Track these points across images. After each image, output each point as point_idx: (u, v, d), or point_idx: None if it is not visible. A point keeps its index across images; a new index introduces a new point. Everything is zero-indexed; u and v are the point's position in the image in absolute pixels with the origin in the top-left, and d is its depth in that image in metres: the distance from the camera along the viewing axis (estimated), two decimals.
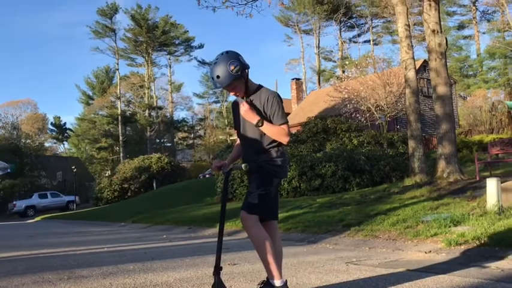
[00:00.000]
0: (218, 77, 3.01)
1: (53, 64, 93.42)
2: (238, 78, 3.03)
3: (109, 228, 14.58)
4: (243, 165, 3.05)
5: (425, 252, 5.25)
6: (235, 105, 3.35)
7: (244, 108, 3.06)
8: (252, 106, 3.11)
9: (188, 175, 37.71)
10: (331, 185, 14.65)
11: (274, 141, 3.10)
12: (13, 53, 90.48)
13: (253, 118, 3.02)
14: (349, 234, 6.97)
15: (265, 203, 3.09)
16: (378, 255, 5.42)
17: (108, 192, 33.25)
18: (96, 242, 9.12)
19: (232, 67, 2.98)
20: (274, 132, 3.05)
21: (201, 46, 60.14)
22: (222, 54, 3.05)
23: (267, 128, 3.03)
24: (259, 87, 3.19)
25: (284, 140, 3.07)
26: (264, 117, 3.07)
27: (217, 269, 2.90)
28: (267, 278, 3.09)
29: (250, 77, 3.16)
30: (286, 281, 3.08)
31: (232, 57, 3.02)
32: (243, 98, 3.17)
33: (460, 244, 5.23)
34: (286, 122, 3.10)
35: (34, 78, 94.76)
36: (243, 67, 3.04)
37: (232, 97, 3.30)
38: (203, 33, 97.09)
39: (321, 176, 14.83)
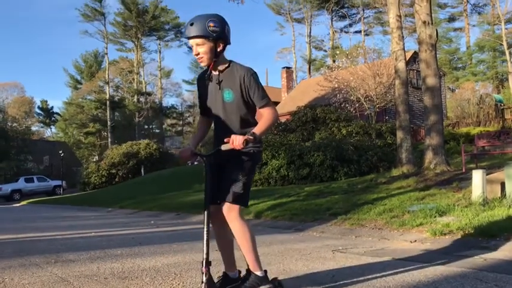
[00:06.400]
0: (192, 24, 2.73)
1: (41, 47, 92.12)
2: (210, 39, 2.75)
3: (96, 213, 14.54)
4: (222, 146, 2.77)
5: (411, 242, 5.32)
6: (200, 81, 3.08)
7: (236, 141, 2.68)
8: (222, 83, 2.92)
9: (176, 162, 37.63)
10: (319, 174, 14.72)
11: (256, 124, 2.88)
12: (0, 35, 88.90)
13: (242, 138, 2.69)
14: (336, 222, 7.04)
15: (248, 192, 2.94)
16: (364, 243, 5.48)
17: (96, 178, 33.06)
18: (83, 226, 9.10)
19: (211, 24, 2.72)
20: (267, 122, 2.83)
21: None
22: (211, 13, 2.81)
23: (261, 128, 2.79)
24: (230, 62, 2.92)
25: (276, 117, 2.89)
26: (242, 93, 2.86)
27: (207, 264, 2.70)
28: (247, 270, 3.04)
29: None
30: (266, 270, 3.02)
31: (216, 18, 2.77)
32: (207, 68, 2.90)
33: (445, 234, 5.32)
34: (269, 100, 2.89)
35: (21, 60, 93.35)
36: (222, 35, 2.78)
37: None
38: None
39: (309, 165, 14.89)
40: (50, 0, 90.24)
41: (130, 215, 12.86)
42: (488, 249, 4.64)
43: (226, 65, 2.90)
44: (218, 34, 2.76)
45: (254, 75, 2.86)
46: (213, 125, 3.17)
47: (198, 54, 2.81)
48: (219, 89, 2.92)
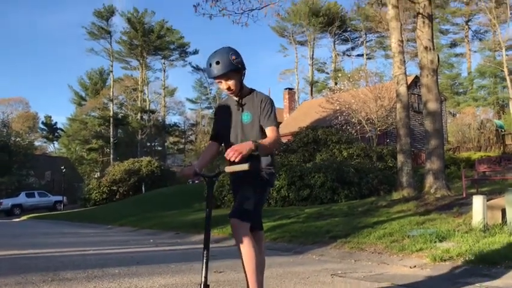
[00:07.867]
0: (218, 62, 2.89)
1: (46, 64, 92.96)
2: (236, 71, 2.94)
3: (96, 230, 14.48)
4: (226, 168, 2.78)
5: (410, 267, 5.29)
6: (222, 108, 3.25)
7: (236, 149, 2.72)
8: (244, 107, 3.07)
9: (177, 180, 37.58)
10: (320, 195, 14.68)
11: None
12: (6, 51, 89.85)
13: (247, 145, 2.77)
14: (336, 246, 7.00)
15: (259, 211, 3.08)
16: (363, 268, 5.45)
17: (97, 194, 32.97)
18: (82, 243, 9.06)
19: (233, 57, 2.91)
20: (270, 140, 2.94)
21: (195, 52, 60.33)
22: (223, 47, 2.98)
23: (264, 142, 2.90)
24: (252, 90, 3.12)
25: (279, 141, 3.01)
26: (260, 116, 3.02)
27: (205, 287, 2.68)
28: None
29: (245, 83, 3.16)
30: None
31: (234, 50, 2.98)
32: (236, 96, 3.06)
33: (445, 260, 5.28)
34: (277, 125, 3.03)
35: (27, 76, 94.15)
36: (243, 65, 2.99)
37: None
38: (198, 40, 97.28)
39: (309, 186, 14.86)
40: (57, 18, 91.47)
41: (130, 232, 12.81)
42: (489, 276, 4.60)
43: (249, 92, 3.09)
44: (242, 64, 2.96)
45: (272, 102, 3.06)
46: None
47: (228, 87, 2.98)
48: (240, 111, 3.08)
